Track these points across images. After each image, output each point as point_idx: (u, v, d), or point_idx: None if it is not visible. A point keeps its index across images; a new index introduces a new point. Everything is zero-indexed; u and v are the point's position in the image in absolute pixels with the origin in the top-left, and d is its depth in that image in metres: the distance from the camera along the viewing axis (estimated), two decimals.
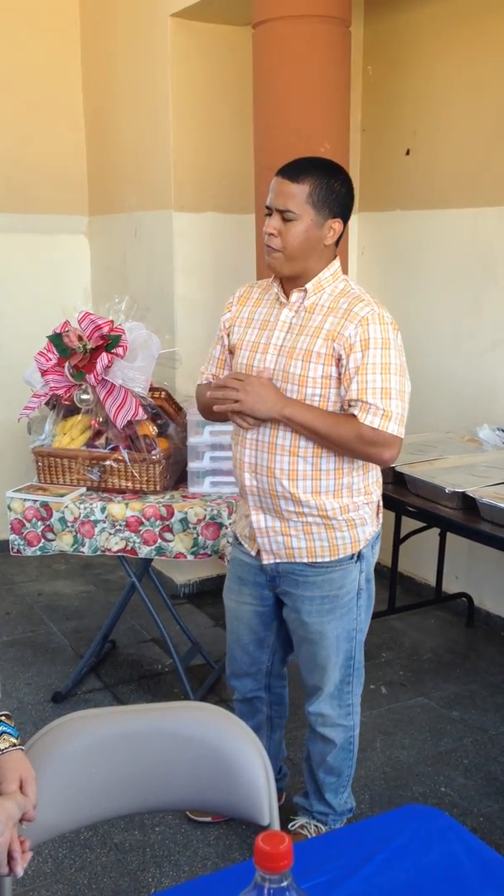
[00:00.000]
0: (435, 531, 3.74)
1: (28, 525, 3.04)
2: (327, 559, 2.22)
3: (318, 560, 2.22)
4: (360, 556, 2.25)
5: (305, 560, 2.23)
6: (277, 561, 2.26)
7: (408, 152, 3.96)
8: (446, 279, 3.86)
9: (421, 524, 3.56)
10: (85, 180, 4.78)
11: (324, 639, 2.28)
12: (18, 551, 3.07)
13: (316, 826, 2.49)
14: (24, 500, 3.04)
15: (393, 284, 4.15)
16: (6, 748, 1.34)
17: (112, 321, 2.99)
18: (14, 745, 1.35)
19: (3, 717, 1.37)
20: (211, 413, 2.30)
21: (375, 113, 4.13)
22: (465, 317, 3.79)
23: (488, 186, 3.60)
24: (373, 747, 2.99)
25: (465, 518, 2.94)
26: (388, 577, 3.86)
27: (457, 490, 2.96)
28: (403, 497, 3.21)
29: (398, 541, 3.73)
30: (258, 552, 2.29)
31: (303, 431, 2.10)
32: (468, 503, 2.94)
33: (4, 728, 1.36)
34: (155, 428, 3.06)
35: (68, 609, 4.12)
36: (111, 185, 4.55)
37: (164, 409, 3.12)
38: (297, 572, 2.25)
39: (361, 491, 2.22)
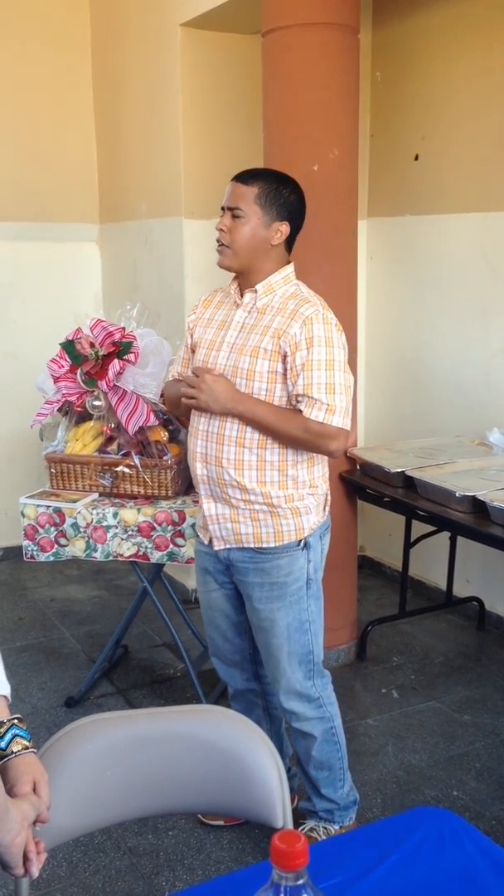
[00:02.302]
0: (445, 535, 3.74)
1: (41, 531, 3.06)
2: (272, 545, 2.30)
3: (265, 545, 2.30)
4: (306, 544, 2.32)
5: (252, 545, 2.31)
6: (228, 547, 2.35)
7: (416, 157, 3.98)
8: (455, 284, 3.87)
9: (431, 528, 3.56)
10: (96, 188, 4.81)
11: (275, 626, 2.34)
12: (32, 557, 3.10)
13: (325, 828, 2.50)
14: (38, 505, 3.06)
15: (402, 289, 4.16)
16: (19, 751, 1.35)
17: (123, 328, 3.02)
18: (27, 747, 1.36)
19: (15, 721, 1.38)
20: (177, 408, 2.47)
21: (384, 118, 4.15)
22: (475, 321, 3.79)
23: (497, 191, 3.61)
24: (385, 751, 3.00)
25: (475, 522, 2.95)
26: (399, 581, 3.86)
27: (467, 494, 2.96)
28: (414, 501, 3.22)
29: (409, 545, 3.73)
30: (210, 540, 2.38)
31: (254, 426, 2.23)
32: (478, 507, 2.94)
33: (17, 731, 1.37)
34: (166, 433, 3.08)
35: (80, 614, 4.14)
36: (122, 193, 4.58)
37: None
38: (247, 560, 2.34)
39: (307, 483, 2.31)
